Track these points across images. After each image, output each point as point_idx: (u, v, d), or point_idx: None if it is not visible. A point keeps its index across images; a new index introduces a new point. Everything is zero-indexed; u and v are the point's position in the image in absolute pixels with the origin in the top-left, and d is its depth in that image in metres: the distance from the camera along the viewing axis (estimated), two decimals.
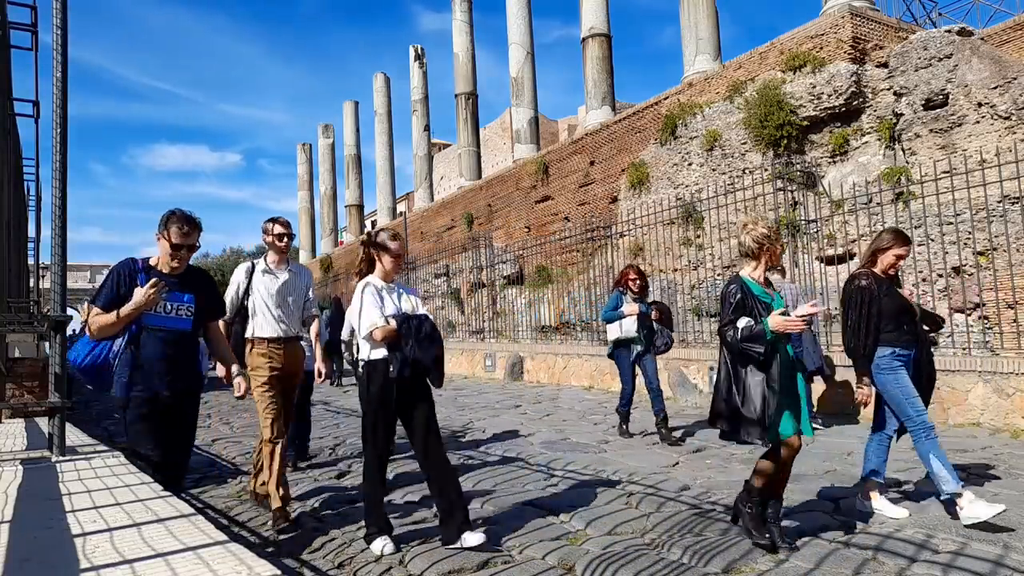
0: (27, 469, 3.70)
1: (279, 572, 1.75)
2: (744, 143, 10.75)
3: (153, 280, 3.01)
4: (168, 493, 2.77)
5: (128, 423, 3.20)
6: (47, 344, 6.52)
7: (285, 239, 4.42)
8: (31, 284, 12.16)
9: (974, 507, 3.48)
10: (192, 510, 2.48)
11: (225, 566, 1.80)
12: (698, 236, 11.14)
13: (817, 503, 4.07)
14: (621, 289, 6.46)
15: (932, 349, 4.20)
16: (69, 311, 4.60)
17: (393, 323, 3.33)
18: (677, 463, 5.35)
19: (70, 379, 4.53)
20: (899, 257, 3.86)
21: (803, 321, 3.18)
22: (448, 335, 17.56)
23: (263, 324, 4.29)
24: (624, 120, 14.33)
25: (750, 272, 3.40)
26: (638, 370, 6.52)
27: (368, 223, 33.86)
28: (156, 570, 1.81)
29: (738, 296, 3.28)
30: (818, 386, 7.46)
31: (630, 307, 6.33)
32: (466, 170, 21.96)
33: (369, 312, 3.36)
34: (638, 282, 6.41)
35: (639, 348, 6.36)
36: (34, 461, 4.01)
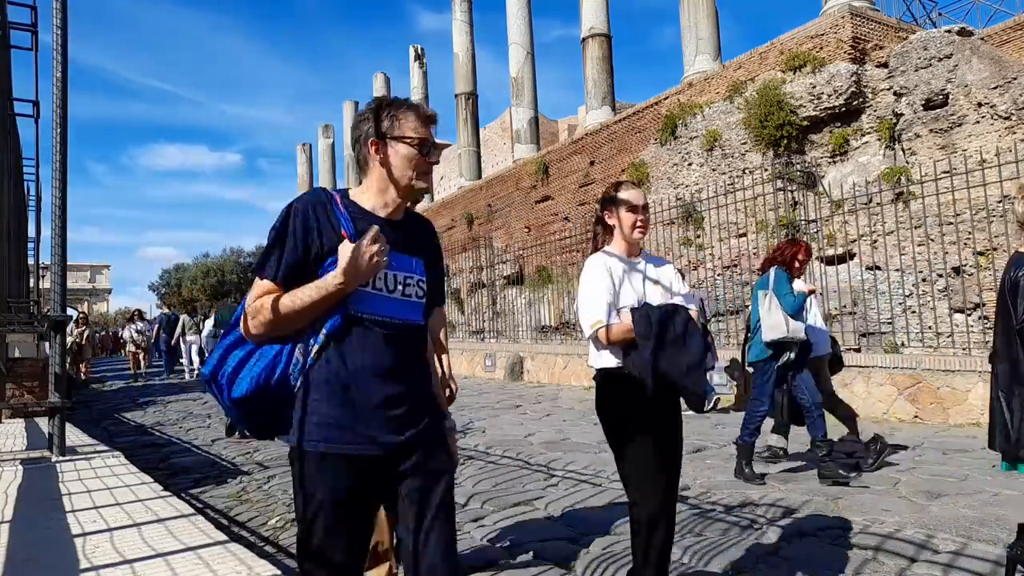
0: (27, 469, 3.70)
1: (279, 572, 1.75)
2: (744, 143, 10.75)
3: (375, 229, 1.52)
4: (168, 493, 2.76)
5: (304, 504, 1.55)
6: (47, 344, 6.52)
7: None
8: (31, 284, 12.16)
9: None
10: (192, 510, 2.48)
11: (225, 566, 1.80)
12: (698, 236, 11.14)
13: (816, 503, 4.07)
14: (784, 270, 4.81)
15: None
16: (69, 311, 4.59)
17: (629, 317, 2.30)
18: None
19: (70, 379, 4.43)
20: None
21: None
22: (448, 335, 17.55)
23: None
24: (624, 120, 14.33)
25: None
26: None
27: None
28: (156, 570, 1.81)
29: None
30: None
31: (806, 286, 4.78)
32: (466, 170, 21.97)
33: (595, 301, 2.33)
34: (806, 265, 4.85)
35: (792, 355, 4.65)
36: (34, 461, 4.01)
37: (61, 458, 4.07)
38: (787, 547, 3.31)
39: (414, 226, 1.78)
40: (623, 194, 2.43)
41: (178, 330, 16.82)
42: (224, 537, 2.02)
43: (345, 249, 1.52)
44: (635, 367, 2.26)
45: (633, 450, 2.35)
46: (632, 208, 2.40)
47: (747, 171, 10.37)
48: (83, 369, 15.53)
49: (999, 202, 7.33)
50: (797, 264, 4.84)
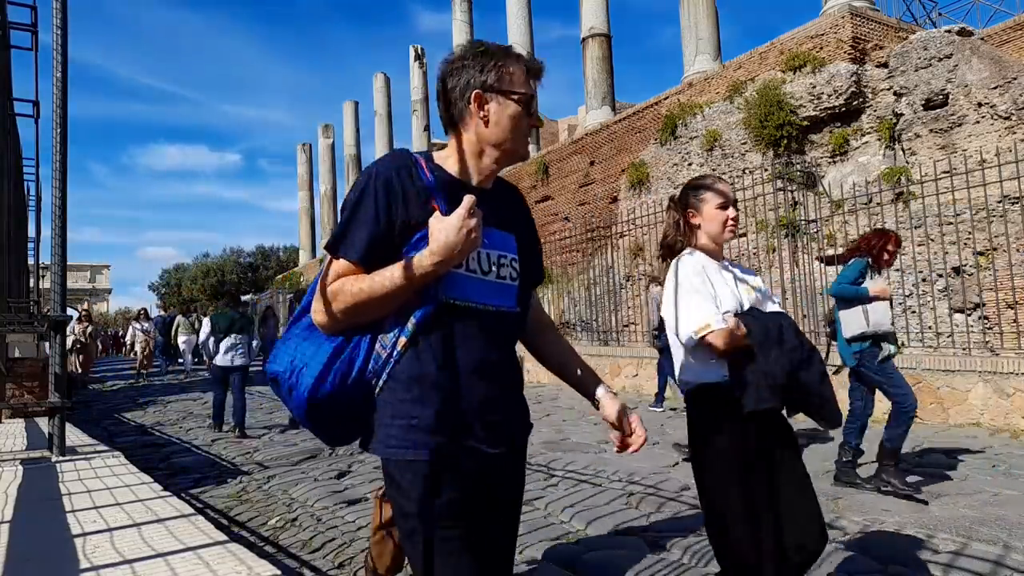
0: (27, 469, 3.70)
1: (279, 572, 1.75)
2: (744, 143, 10.75)
3: (472, 200, 1.28)
4: (168, 493, 2.76)
5: (419, 516, 1.31)
6: (47, 344, 6.52)
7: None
8: (31, 284, 12.16)
9: None
10: (192, 510, 2.48)
11: (225, 566, 1.80)
12: None
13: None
14: (869, 261, 4.44)
15: None
16: (69, 311, 4.60)
17: (740, 324, 1.96)
18: (677, 463, 5.36)
19: (71, 379, 4.41)
20: None
21: None
22: None
23: None
24: (624, 120, 14.33)
25: None
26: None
27: None
28: (156, 570, 1.81)
29: None
30: None
31: (878, 286, 4.33)
32: None
33: (698, 304, 1.98)
34: (895, 257, 4.55)
35: (892, 350, 4.38)
36: (34, 461, 4.01)
37: (61, 458, 4.08)
38: None
39: (505, 196, 1.51)
40: (713, 189, 2.09)
41: (174, 330, 17.13)
42: (224, 537, 2.02)
43: (438, 223, 1.27)
44: (754, 379, 1.91)
45: (740, 481, 1.95)
46: (723, 204, 2.07)
47: (747, 171, 10.37)
48: (87, 361, 15.57)
49: (999, 202, 7.33)
50: (886, 256, 4.44)
